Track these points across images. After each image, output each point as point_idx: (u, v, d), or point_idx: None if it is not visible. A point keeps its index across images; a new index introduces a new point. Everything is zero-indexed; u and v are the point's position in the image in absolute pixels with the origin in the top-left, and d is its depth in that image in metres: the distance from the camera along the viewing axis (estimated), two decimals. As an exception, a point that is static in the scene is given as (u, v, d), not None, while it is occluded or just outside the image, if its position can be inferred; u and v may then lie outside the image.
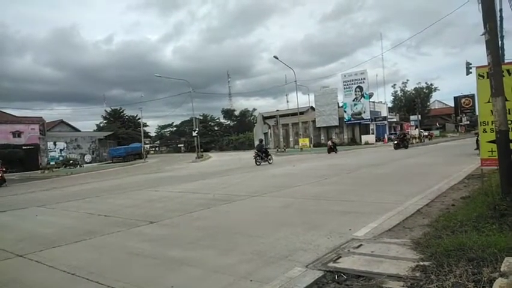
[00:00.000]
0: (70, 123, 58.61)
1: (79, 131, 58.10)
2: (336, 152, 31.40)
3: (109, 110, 72.85)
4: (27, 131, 40.99)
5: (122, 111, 74.35)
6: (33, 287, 4.08)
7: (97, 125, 74.70)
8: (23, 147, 38.36)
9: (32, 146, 39.92)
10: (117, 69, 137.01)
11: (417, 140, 42.38)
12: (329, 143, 34.18)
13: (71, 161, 41.36)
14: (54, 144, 45.75)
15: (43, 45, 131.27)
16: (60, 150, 46.26)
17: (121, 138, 62.05)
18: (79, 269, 4.49)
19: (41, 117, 45.03)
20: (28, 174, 31.68)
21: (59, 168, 37.85)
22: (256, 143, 27.51)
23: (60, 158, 43.56)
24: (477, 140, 22.27)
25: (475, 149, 21.31)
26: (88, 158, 49.05)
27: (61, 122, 56.55)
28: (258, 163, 22.86)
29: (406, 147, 29.58)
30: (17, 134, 40.15)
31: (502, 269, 3.03)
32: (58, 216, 8.71)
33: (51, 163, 39.04)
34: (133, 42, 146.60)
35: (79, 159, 44.63)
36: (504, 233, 4.12)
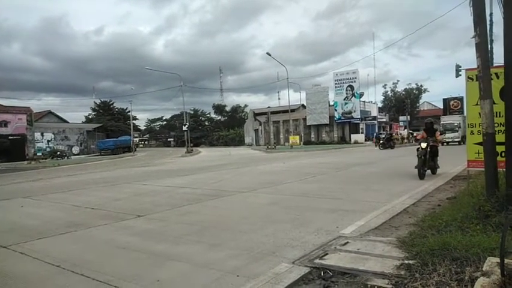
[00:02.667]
0: (58, 114, 57.80)
1: (67, 122, 57.35)
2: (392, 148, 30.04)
3: (98, 101, 72.01)
4: (14, 121, 40.36)
5: (112, 104, 73.49)
6: (18, 279, 4.03)
7: (86, 117, 73.74)
8: (10, 137, 37.75)
9: (18, 136, 39.34)
10: (107, 60, 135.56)
11: (405, 141, 42.78)
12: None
13: (58, 153, 40.85)
14: (42, 135, 45.13)
15: (32, 35, 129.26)
16: (48, 141, 45.66)
17: (110, 130, 61.37)
18: (64, 261, 4.44)
19: (29, 108, 44.35)
20: (14, 164, 31.20)
21: (46, 159, 37.31)
22: (247, 139, 27.51)
23: (48, 149, 43.01)
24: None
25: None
26: (75, 149, 48.49)
27: (49, 113, 55.72)
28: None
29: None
30: (4, 123, 39.50)
31: (484, 269, 3.09)
32: (44, 208, 8.59)
33: (38, 154, 38.47)
34: (123, 34, 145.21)
35: (66, 151, 44.10)
36: (488, 233, 4.20)
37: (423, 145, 10.66)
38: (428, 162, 10.69)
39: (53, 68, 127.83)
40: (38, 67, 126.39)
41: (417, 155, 10.61)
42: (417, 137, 11.68)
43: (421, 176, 10.41)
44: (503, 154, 5.58)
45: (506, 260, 2.79)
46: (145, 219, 6.78)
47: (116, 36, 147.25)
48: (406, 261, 3.74)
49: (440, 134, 12.30)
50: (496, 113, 5.57)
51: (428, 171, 11.08)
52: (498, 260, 2.99)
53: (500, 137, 5.49)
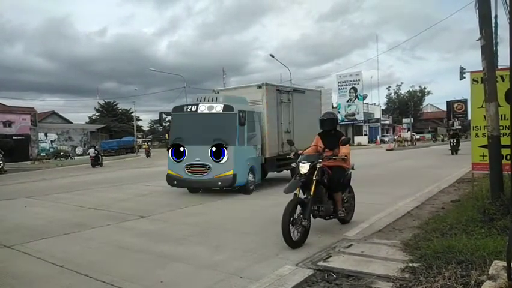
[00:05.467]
0: (61, 114, 57.95)
1: (71, 122, 57.40)
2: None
3: (102, 102, 72.13)
4: (18, 121, 40.46)
5: (116, 105, 73.62)
6: (21, 279, 4.03)
7: (89, 118, 73.81)
8: (14, 138, 37.87)
9: (22, 136, 39.42)
10: (111, 61, 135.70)
11: (409, 143, 42.70)
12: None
13: (62, 153, 40.89)
14: (46, 135, 45.17)
15: (35, 35, 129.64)
16: (51, 141, 45.69)
17: (114, 131, 61.48)
18: (67, 261, 4.44)
19: (33, 108, 44.47)
20: (18, 164, 31.31)
21: (49, 159, 37.40)
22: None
23: (51, 150, 43.07)
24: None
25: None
26: (79, 150, 48.52)
27: (53, 113, 55.82)
28: None
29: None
30: (8, 123, 39.60)
31: (490, 272, 3.07)
32: (47, 208, 8.61)
33: (41, 154, 38.58)
34: (127, 35, 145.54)
35: (70, 151, 44.18)
36: (493, 236, 4.17)
37: (304, 169, 4.94)
38: (310, 207, 4.87)
39: (56, 69, 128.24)
40: (42, 68, 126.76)
41: (288, 189, 4.98)
42: (300, 152, 5.52)
43: (290, 241, 4.56)
44: (508, 157, 5.55)
45: (512, 264, 2.76)
46: (148, 220, 6.79)
47: (119, 37, 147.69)
48: (411, 264, 3.72)
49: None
50: (501, 115, 5.53)
51: (318, 223, 5.52)
52: (504, 263, 2.97)
53: (505, 140, 5.45)
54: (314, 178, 4.89)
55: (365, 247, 4.51)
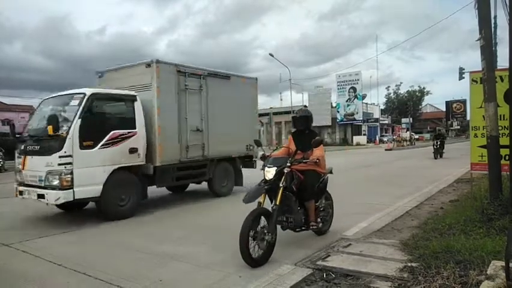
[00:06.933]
0: (60, 113, 57.90)
1: (70, 121, 57.42)
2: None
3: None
4: (17, 119, 40.34)
5: (115, 103, 73.59)
6: (20, 277, 4.03)
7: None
8: (12, 136, 37.83)
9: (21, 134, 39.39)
10: (110, 60, 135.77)
11: (408, 143, 42.74)
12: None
13: (60, 151, 40.86)
14: (44, 133, 45.18)
15: (34, 34, 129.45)
16: (50, 140, 45.68)
17: (113, 130, 61.43)
18: (66, 260, 4.44)
19: (32, 106, 44.38)
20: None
21: (48, 158, 37.35)
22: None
23: (50, 148, 43.03)
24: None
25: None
26: (78, 148, 48.48)
27: (52, 112, 55.87)
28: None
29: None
30: (6, 122, 39.56)
31: (488, 272, 3.08)
32: (46, 206, 8.58)
33: (40, 153, 38.48)
34: (126, 34, 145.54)
35: (68, 150, 44.10)
36: (491, 236, 4.19)
37: (270, 174, 4.35)
38: (275, 218, 4.25)
39: (55, 67, 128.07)
40: (41, 66, 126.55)
41: (248, 197, 4.34)
42: (267, 155, 4.73)
43: (248, 258, 3.94)
44: (507, 157, 5.55)
45: (511, 264, 2.77)
46: (149, 219, 6.78)
47: (119, 36, 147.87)
48: (409, 264, 3.73)
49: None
50: (500, 115, 5.54)
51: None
52: (503, 263, 2.98)
53: (504, 140, 5.46)
54: (281, 185, 4.26)
55: (363, 247, 4.52)
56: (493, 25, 12.89)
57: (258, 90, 10.28)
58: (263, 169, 4.44)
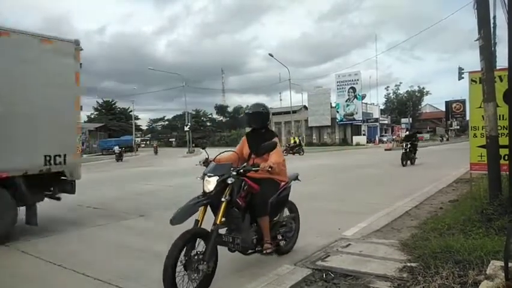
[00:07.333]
0: (60, 113, 57.84)
1: (70, 121, 57.32)
2: (301, 154, 28.24)
3: (100, 101, 72.08)
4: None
5: (114, 103, 73.64)
6: (20, 277, 4.03)
7: (88, 116, 73.74)
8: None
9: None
10: (110, 60, 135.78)
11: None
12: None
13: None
14: (44, 134, 45.03)
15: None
16: (50, 140, 45.55)
17: (112, 130, 61.47)
18: (65, 260, 4.44)
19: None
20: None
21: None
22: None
23: (50, 148, 42.92)
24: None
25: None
26: (77, 149, 48.38)
27: (51, 112, 55.79)
28: None
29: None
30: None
31: (487, 272, 3.08)
32: (46, 207, 8.55)
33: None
34: (126, 34, 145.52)
35: (68, 150, 44.00)
36: (490, 236, 4.18)
37: (210, 185, 3.52)
38: (214, 241, 3.42)
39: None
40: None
41: (177, 217, 3.48)
42: (211, 160, 4.01)
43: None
44: (506, 157, 5.55)
45: (510, 264, 2.78)
46: (147, 219, 6.78)
47: (118, 36, 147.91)
48: (408, 264, 3.73)
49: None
50: (499, 115, 5.54)
51: None
52: (502, 263, 2.98)
53: (503, 140, 5.46)
54: (223, 199, 3.48)
55: (363, 247, 4.52)
56: (492, 25, 12.90)
57: (80, 60, 6.35)
58: (202, 178, 3.60)
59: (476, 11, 5.43)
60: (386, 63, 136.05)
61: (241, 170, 3.66)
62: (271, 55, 40.09)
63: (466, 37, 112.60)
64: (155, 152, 41.41)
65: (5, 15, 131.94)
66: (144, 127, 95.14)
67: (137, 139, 60.85)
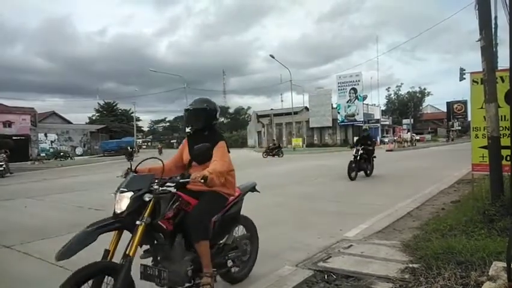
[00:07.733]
0: (61, 115, 58.10)
1: (71, 123, 57.58)
2: (280, 156, 28.51)
3: (102, 103, 72.20)
4: (18, 122, 40.54)
5: (116, 105, 73.73)
6: (22, 279, 4.03)
7: (89, 118, 73.97)
8: (14, 138, 37.90)
9: (22, 136, 39.47)
10: (111, 62, 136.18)
11: (408, 144, 42.72)
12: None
13: (61, 153, 40.95)
14: (46, 135, 45.21)
15: (35, 36, 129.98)
16: (51, 141, 45.73)
17: (114, 131, 61.57)
18: (67, 262, 4.42)
19: (33, 108, 44.61)
20: (18, 165, 31.32)
21: (49, 159, 37.47)
22: (250, 141, 27.69)
23: (51, 150, 43.11)
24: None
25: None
26: (79, 150, 48.56)
27: (53, 114, 56.00)
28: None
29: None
30: (8, 124, 39.69)
31: (490, 273, 3.07)
32: (47, 208, 8.62)
33: (41, 154, 38.62)
34: (127, 35, 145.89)
35: (69, 152, 44.19)
36: (493, 237, 4.17)
37: (122, 204, 2.81)
38: (125, 277, 2.69)
39: (57, 69, 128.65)
40: (42, 68, 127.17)
41: (64, 251, 2.70)
42: (132, 170, 3.28)
43: None
44: (508, 158, 5.54)
45: (512, 265, 2.77)
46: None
47: (119, 38, 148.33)
48: (410, 265, 3.72)
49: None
50: (501, 116, 5.53)
51: None
52: (504, 264, 2.97)
53: (505, 141, 5.45)
54: (138, 222, 2.70)
55: (364, 248, 4.51)
56: (493, 26, 12.87)
57: None
58: (115, 194, 2.84)
59: (477, 11, 5.42)
60: (387, 64, 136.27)
61: (169, 183, 2.91)
62: (272, 56, 40.16)
63: (467, 38, 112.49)
64: (160, 153, 41.64)
65: (7, 17, 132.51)
66: (145, 128, 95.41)
67: (138, 140, 60.93)
